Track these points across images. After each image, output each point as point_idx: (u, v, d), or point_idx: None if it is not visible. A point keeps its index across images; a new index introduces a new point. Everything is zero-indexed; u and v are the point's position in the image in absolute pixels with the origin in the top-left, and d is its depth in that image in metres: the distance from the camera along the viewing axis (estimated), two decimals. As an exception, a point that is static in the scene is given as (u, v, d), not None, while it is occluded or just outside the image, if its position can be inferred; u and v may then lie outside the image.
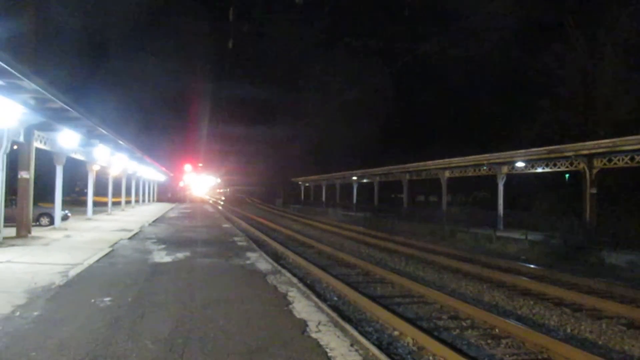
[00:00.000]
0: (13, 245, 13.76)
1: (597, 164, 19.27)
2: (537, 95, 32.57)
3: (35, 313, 6.74)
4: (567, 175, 29.90)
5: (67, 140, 18.55)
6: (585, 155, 19.25)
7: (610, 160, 18.75)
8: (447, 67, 43.70)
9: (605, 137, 20.36)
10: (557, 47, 29.41)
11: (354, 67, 52.66)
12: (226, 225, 25.64)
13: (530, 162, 22.67)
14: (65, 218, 21.75)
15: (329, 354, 5.48)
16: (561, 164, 21.18)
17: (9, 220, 15.74)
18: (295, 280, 10.10)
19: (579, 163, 19.94)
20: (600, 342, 7.51)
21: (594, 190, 19.53)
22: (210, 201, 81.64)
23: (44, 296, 7.73)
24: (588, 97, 28.73)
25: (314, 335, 6.19)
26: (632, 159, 17.75)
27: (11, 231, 15.74)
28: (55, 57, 31.17)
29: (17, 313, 6.69)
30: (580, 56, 28.55)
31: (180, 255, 13.15)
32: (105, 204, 33.09)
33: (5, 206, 14.45)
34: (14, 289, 8.15)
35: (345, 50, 52.12)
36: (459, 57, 40.67)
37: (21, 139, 15.79)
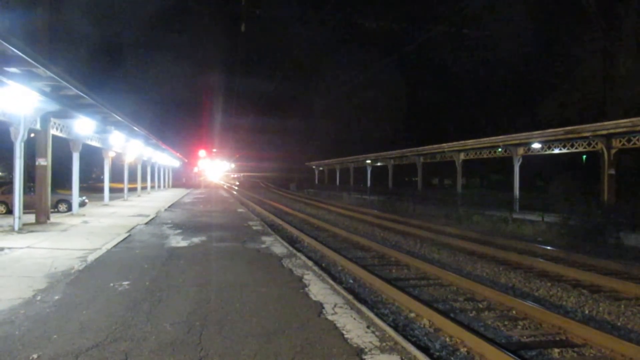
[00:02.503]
0: (32, 231, 14.00)
1: (616, 144, 18.92)
2: (554, 75, 32.01)
3: (56, 297, 6.86)
4: (584, 157, 29.47)
5: (83, 127, 18.78)
6: (603, 136, 18.90)
7: (629, 141, 18.38)
8: (461, 49, 43.07)
9: (624, 117, 19.94)
10: (575, 26, 28.78)
11: (365, 51, 52.20)
12: (241, 209, 25.77)
13: (547, 143, 22.31)
14: (82, 204, 22.06)
15: (346, 336, 5.50)
16: (579, 145, 20.82)
17: (28, 207, 16.04)
18: (310, 263, 10.13)
19: (597, 143, 19.59)
20: (619, 324, 7.43)
21: (612, 171, 19.20)
22: (225, 186, 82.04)
23: (64, 280, 7.87)
24: (607, 76, 28.12)
25: (330, 317, 6.21)
26: (652, 138, 17.40)
27: (30, 217, 16.03)
28: (71, 46, 31.34)
29: (38, 297, 6.82)
30: (599, 35, 27.89)
31: (196, 239, 13.27)
32: (121, 190, 33.47)
33: (24, 193, 14.70)
34: (35, 273, 8.31)
35: (357, 35, 51.60)
36: (473, 38, 40.03)
37: (38, 126, 16.00)
